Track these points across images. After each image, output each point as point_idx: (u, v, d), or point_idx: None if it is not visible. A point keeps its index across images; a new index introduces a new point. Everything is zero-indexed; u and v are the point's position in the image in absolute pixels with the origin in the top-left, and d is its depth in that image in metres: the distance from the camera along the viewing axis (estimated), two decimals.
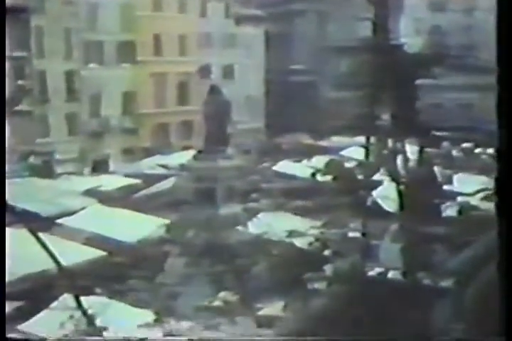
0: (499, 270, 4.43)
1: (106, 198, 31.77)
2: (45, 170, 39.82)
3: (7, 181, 11.44)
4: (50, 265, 20.70)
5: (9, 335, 17.22)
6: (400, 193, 18.60)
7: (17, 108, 38.89)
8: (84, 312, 13.05)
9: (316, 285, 19.62)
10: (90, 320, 13.39)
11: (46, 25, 44.65)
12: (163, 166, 40.00)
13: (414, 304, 15.70)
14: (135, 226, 26.50)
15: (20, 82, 43.21)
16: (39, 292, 20.33)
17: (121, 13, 48.80)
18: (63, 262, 19.29)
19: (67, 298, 17.41)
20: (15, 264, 20.65)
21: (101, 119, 47.93)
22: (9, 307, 17.31)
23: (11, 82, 42.67)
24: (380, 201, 19.45)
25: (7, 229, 16.29)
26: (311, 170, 25.35)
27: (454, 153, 31.29)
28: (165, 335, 17.20)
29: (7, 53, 42.43)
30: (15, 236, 21.19)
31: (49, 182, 35.70)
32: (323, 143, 42.67)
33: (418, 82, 19.82)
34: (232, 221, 28.41)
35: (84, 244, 24.56)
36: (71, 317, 15.84)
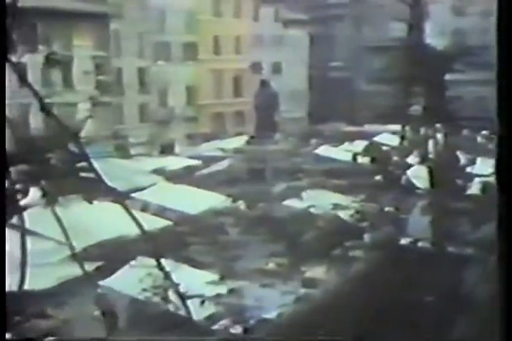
0: (499, 266, 3.96)
1: (171, 176, 31.76)
2: (121, 152, 39.99)
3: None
4: (125, 232, 20.81)
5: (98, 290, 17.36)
6: (430, 173, 18.26)
7: (98, 99, 39.05)
8: (162, 268, 12.97)
9: (355, 253, 19.36)
10: (167, 275, 13.30)
11: (123, 28, 44.71)
12: (220, 149, 39.89)
13: (441, 269, 15.37)
14: (196, 200, 26.43)
15: (100, 77, 43.39)
16: (116, 254, 20.34)
17: (185, 17, 48.68)
18: (135, 230, 19.30)
19: (142, 259, 17.41)
20: (97, 231, 20.87)
21: (167, 109, 47.97)
22: (90, 266, 17.32)
23: (92, 77, 42.95)
24: (412, 179, 19.08)
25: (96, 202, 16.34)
26: (350, 153, 24.99)
27: (479, 139, 30.59)
28: (228, 292, 17.13)
29: (90, 53, 42.76)
30: (98, 207, 21.40)
31: (124, 162, 35.81)
32: (358, 130, 42.08)
33: (446, 76, 19.35)
34: (280, 196, 28.22)
35: (153, 214, 24.56)
36: (149, 274, 15.82)
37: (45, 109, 9.76)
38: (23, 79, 8.95)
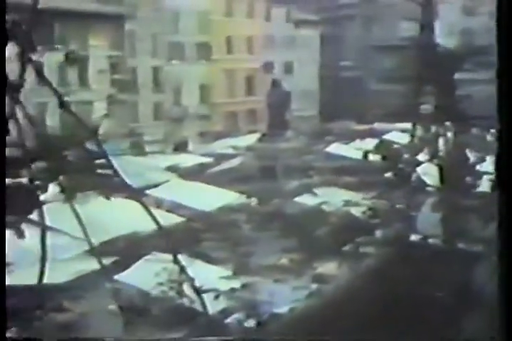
0: (499, 266, 3.88)
1: (184, 173, 31.77)
2: (136, 149, 40.05)
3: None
4: (140, 227, 20.84)
5: (107, 285, 17.42)
6: (440, 171, 18.20)
7: (116, 98, 39.20)
8: (178, 263, 12.98)
9: (367, 249, 19.32)
10: (183, 269, 13.31)
11: (137, 29, 44.79)
12: (233, 147, 39.85)
13: (450, 265, 15.30)
14: (208, 197, 26.43)
15: (116, 76, 43.49)
16: (131, 250, 20.37)
17: (198, 18, 48.69)
18: (149, 226, 19.30)
19: (157, 254, 17.44)
20: (112, 226, 20.91)
21: (181, 107, 47.98)
22: (107, 261, 17.35)
23: (108, 76, 43.05)
24: (423, 177, 19.03)
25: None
26: (361, 151, 24.88)
27: (488, 137, 30.24)
28: (242, 286, 17.12)
29: (105, 52, 42.86)
30: (114, 203, 21.41)
31: (139, 159, 35.84)
32: (368, 128, 41.94)
33: (456, 75, 19.26)
34: (291, 193, 28.16)
35: (167, 211, 24.56)
36: (164, 268, 15.83)
37: (64, 106, 9.78)
38: (42, 78, 8.97)
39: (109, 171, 11.06)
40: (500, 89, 3.73)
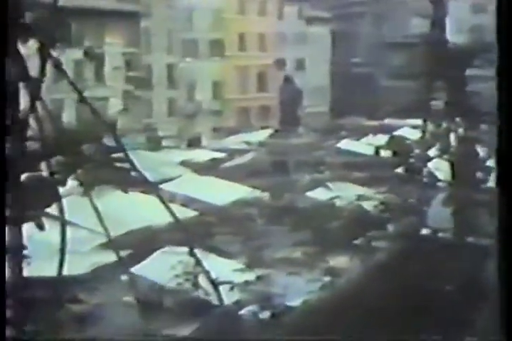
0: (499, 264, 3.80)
1: (198, 168, 31.79)
2: (152, 145, 40.13)
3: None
4: (154, 221, 20.88)
5: (123, 277, 17.48)
6: (451, 165, 18.17)
7: (133, 94, 39.36)
8: (194, 255, 13.00)
9: (378, 243, 19.32)
10: (199, 262, 13.33)
11: (152, 26, 44.88)
12: (245, 142, 39.86)
13: (460, 259, 15.25)
14: (221, 191, 26.43)
15: (131, 73, 43.61)
16: (145, 243, 20.40)
17: (212, 16, 48.75)
18: (164, 219, 19.29)
19: (172, 247, 17.48)
20: (127, 220, 20.97)
21: (195, 103, 48.06)
22: (122, 253, 17.39)
23: (123, 73, 43.18)
24: (434, 172, 19.00)
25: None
26: (372, 147, 24.84)
27: None
28: (257, 278, 17.15)
29: (121, 49, 42.96)
30: (129, 197, 21.43)
31: (153, 154, 35.91)
32: (379, 124, 41.82)
33: (467, 72, 19.16)
34: (303, 188, 28.16)
35: (180, 205, 24.58)
36: (180, 261, 15.87)
37: (84, 100, 9.84)
38: (63, 73, 9.02)
39: (126, 165, 11.11)
40: (500, 87, 3.72)
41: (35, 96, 8.46)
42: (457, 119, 19.47)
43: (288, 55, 53.75)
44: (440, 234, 17.99)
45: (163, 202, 11.70)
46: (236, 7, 50.77)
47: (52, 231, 11.29)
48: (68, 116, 32.18)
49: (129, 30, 43.27)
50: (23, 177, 8.52)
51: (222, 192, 26.32)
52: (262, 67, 52.29)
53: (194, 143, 44.24)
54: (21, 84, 8.17)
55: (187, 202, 25.36)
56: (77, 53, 15.41)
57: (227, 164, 34.05)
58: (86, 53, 13.19)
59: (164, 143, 42.07)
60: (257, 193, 27.34)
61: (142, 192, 21.65)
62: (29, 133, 8.60)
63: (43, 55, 8.00)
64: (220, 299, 13.63)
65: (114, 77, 42.23)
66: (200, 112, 47.77)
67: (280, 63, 53.43)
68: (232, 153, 36.00)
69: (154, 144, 40.66)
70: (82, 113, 28.08)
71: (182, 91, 47.42)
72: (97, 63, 38.80)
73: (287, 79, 53.53)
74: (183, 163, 33.11)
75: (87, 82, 37.71)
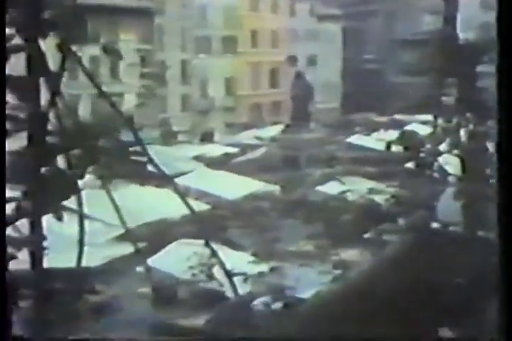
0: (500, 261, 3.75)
1: (210, 163, 31.82)
2: (165, 139, 40.20)
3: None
4: (168, 214, 20.92)
5: (138, 269, 17.54)
6: (461, 160, 18.15)
7: (151, 89, 39.43)
8: (209, 246, 13.04)
9: (389, 236, 19.31)
10: (214, 253, 13.35)
11: (166, 23, 44.92)
12: (257, 138, 39.85)
13: (471, 252, 15.19)
14: (234, 186, 26.44)
15: (145, 69, 43.69)
16: (159, 236, 20.44)
17: (225, 13, 48.72)
18: (178, 213, 19.28)
19: (187, 240, 17.52)
20: (141, 213, 21.03)
21: (208, 99, 48.09)
22: (134, 247, 17.47)
23: (137, 69, 43.25)
24: (444, 166, 18.97)
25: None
26: (382, 142, 24.78)
27: None
28: (270, 270, 17.17)
29: (135, 46, 43.01)
30: (144, 190, 21.50)
31: (166, 148, 35.96)
32: (389, 119, 41.69)
33: (478, 68, 19.08)
34: (314, 182, 28.12)
35: (193, 199, 24.59)
36: (195, 252, 15.91)
37: (102, 94, 9.90)
38: (84, 68, 9.08)
39: (143, 159, 11.15)
40: (500, 83, 3.71)
41: (55, 91, 8.52)
42: (468, 115, 19.41)
43: (300, 52, 53.67)
44: (451, 228, 17.96)
45: (181, 196, 11.72)
46: (249, 4, 50.71)
47: (69, 223, 11.37)
48: (84, 112, 32.30)
49: (143, 27, 43.33)
50: (43, 170, 8.58)
51: (235, 187, 26.33)
52: (274, 64, 52.23)
53: (207, 138, 44.26)
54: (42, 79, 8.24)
55: (200, 196, 25.40)
56: (93, 50, 15.47)
57: (240, 159, 34.06)
58: (104, 48, 13.26)
59: (178, 138, 42.14)
60: (269, 187, 27.35)
61: (156, 186, 21.73)
62: (49, 126, 8.65)
63: (63, 50, 8.05)
64: (235, 290, 13.65)
65: (129, 74, 42.31)
66: (213, 108, 47.81)
67: (292, 60, 53.36)
68: (244, 148, 35.99)
69: (168, 139, 40.74)
70: (98, 108, 28.21)
71: (195, 87, 47.48)
72: (115, 59, 38.86)
73: (299, 76, 53.44)
74: (196, 158, 33.13)
75: (102, 78, 37.82)
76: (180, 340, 13.65)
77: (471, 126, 19.59)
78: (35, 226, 8.54)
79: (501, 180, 3.88)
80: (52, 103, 8.53)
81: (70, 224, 12.01)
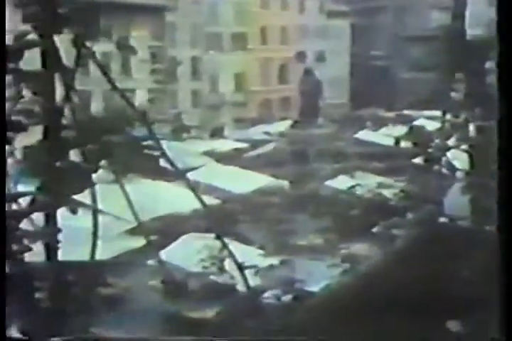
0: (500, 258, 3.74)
1: (220, 158, 31.86)
2: (174, 135, 40.23)
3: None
4: (179, 208, 20.97)
5: (148, 262, 17.59)
6: (470, 155, 18.13)
7: (158, 84, 39.49)
8: (221, 239, 13.05)
9: (398, 230, 19.31)
10: (225, 246, 13.38)
11: (177, 20, 44.95)
12: (266, 133, 39.85)
13: (478, 246, 15.18)
14: (243, 180, 26.48)
15: (156, 65, 43.74)
16: (170, 230, 20.46)
17: (235, 9, 48.69)
18: (187, 207, 19.31)
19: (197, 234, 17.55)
20: (153, 207, 21.09)
21: (218, 95, 48.11)
22: (146, 240, 17.50)
23: (149, 65, 43.30)
24: (452, 161, 18.95)
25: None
26: (390, 137, 24.76)
27: None
28: (281, 263, 17.21)
29: (146, 43, 43.04)
30: (155, 184, 21.53)
31: (177, 143, 35.97)
32: (397, 115, 41.56)
33: (487, 64, 18.99)
34: (323, 177, 28.11)
35: (204, 193, 24.59)
36: (206, 246, 15.94)
37: (116, 89, 9.94)
38: (98, 64, 9.11)
39: (155, 153, 11.18)
40: (500, 79, 3.69)
41: (69, 86, 8.56)
42: (476, 110, 19.34)
43: (309, 48, 53.55)
44: (459, 222, 17.94)
45: (193, 190, 11.75)
46: (259, 1, 50.65)
47: (83, 216, 11.42)
48: (96, 108, 32.38)
49: (155, 23, 43.38)
50: (58, 163, 8.63)
51: (244, 181, 26.38)
52: (284, 60, 52.17)
53: (217, 133, 44.29)
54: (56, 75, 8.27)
55: (210, 190, 25.42)
56: (105, 46, 15.50)
57: (249, 154, 34.08)
58: (118, 44, 13.30)
59: (188, 133, 42.17)
60: (278, 182, 27.36)
61: (167, 180, 21.77)
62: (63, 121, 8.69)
63: (78, 46, 8.08)
64: (246, 283, 13.68)
65: (140, 70, 42.37)
66: (223, 103, 47.82)
67: (301, 56, 53.26)
68: (254, 144, 36.00)
69: (179, 134, 40.78)
70: (110, 104, 28.28)
71: (206, 83, 47.50)
72: (129, 54, 38.91)
73: (308, 72, 53.34)
74: (207, 153, 33.18)
75: (113, 75, 37.87)
76: (183, 339, 13.70)
77: (479, 122, 19.51)
78: (50, 219, 8.61)
79: (501, 177, 3.87)
80: (66, 98, 8.58)
81: (84, 218, 12.07)
